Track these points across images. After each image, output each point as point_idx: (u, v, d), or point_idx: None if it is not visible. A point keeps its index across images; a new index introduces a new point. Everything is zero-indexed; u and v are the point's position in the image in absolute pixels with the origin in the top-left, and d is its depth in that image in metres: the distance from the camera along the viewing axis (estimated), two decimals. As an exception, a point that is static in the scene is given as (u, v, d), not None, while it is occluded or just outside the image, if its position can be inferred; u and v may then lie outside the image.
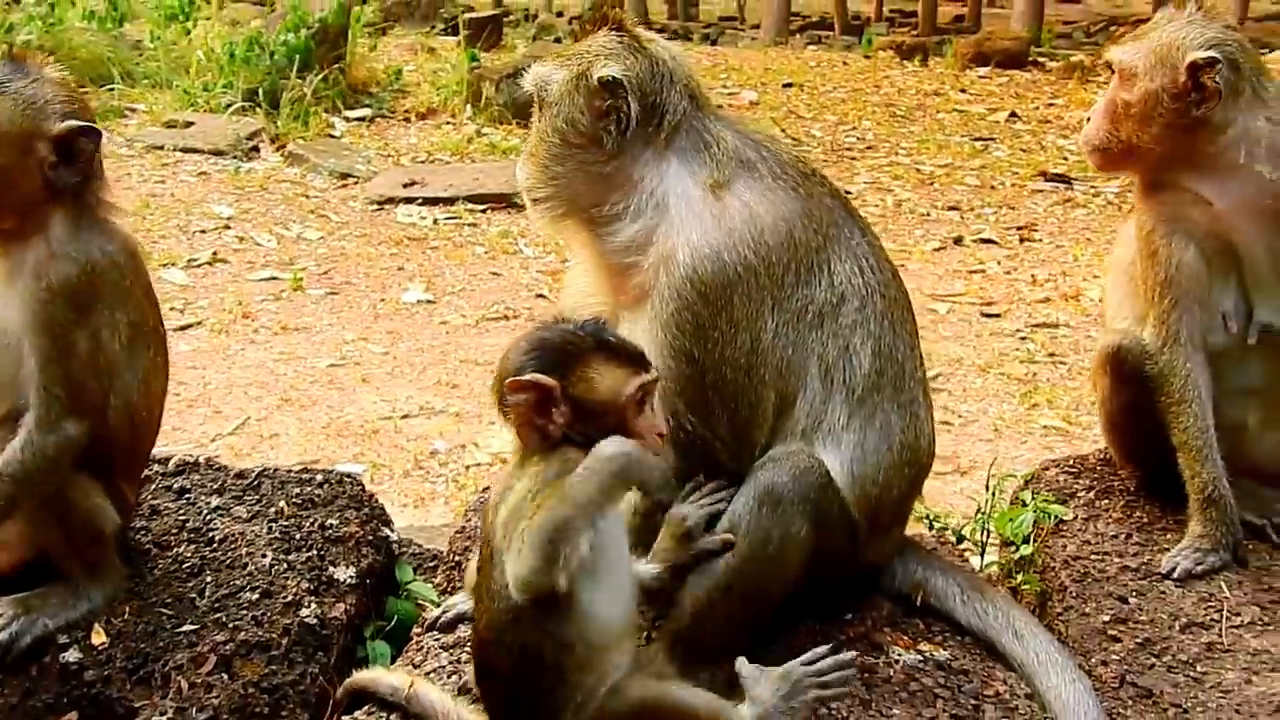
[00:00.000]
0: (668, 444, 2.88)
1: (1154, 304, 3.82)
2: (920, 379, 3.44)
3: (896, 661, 3.27)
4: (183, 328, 8.00)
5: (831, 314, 3.25)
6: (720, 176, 3.22)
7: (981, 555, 4.31)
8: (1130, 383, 3.90)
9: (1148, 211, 3.84)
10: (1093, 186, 12.54)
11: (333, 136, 13.20)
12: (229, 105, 13.16)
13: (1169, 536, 3.88)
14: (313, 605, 3.41)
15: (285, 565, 3.53)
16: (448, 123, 14.04)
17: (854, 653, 2.87)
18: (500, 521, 2.64)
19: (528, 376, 2.64)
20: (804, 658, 2.79)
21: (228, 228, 10.19)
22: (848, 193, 11.87)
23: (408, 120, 14.11)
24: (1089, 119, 3.93)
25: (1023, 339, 8.50)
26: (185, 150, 12.09)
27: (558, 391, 2.64)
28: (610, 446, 2.57)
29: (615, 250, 3.25)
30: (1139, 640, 3.48)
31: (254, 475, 3.96)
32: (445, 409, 7.03)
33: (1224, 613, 3.54)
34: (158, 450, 3.71)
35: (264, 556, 3.54)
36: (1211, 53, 3.64)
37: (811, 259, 3.24)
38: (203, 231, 10.04)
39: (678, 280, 3.12)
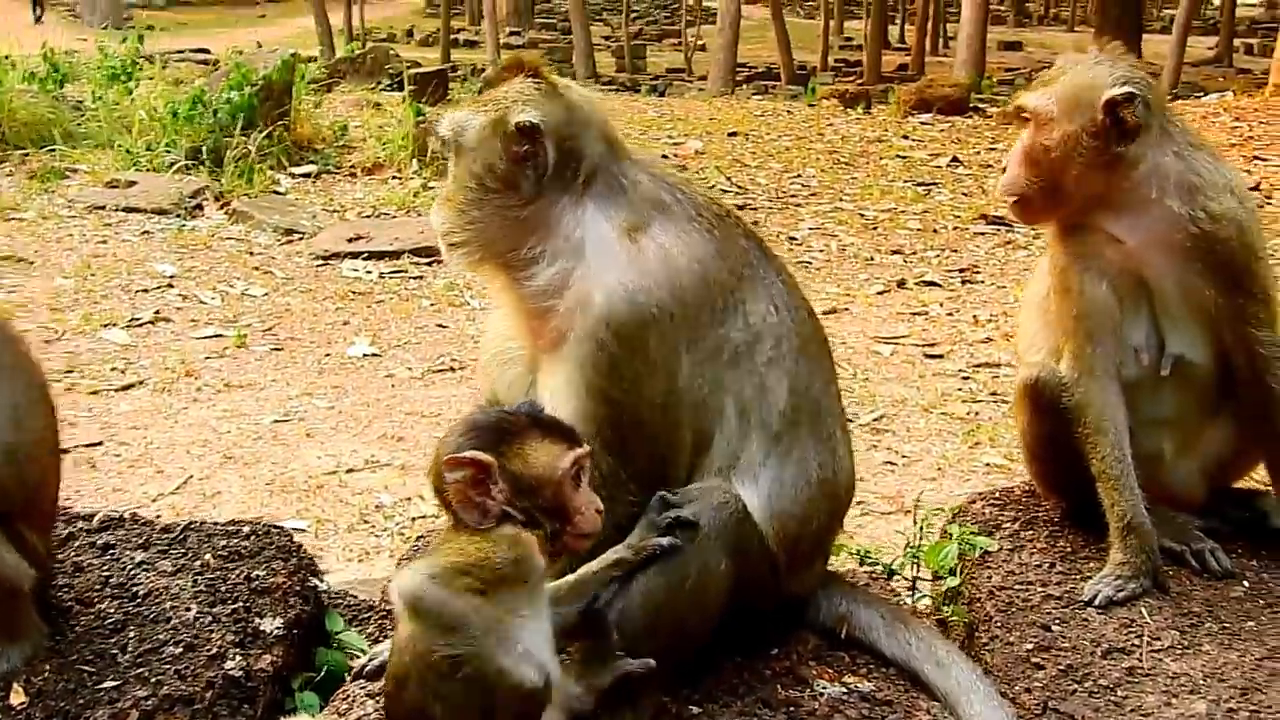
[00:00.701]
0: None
1: (1069, 338, 3.89)
2: (837, 414, 3.48)
3: (821, 694, 3.29)
4: (124, 388, 7.95)
5: (747, 353, 3.29)
6: (636, 219, 3.27)
7: (912, 589, 4.35)
8: (1048, 414, 3.96)
9: (1062, 251, 3.91)
10: (1032, 228, 12.70)
11: (278, 193, 13.21)
12: (172, 164, 13.14)
13: (1091, 565, 3.94)
14: (238, 657, 3.38)
15: (210, 618, 3.50)
16: (394, 177, 14.09)
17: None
18: None
19: (465, 454, 2.71)
20: None
21: (170, 286, 10.15)
22: (792, 239, 12.03)
23: (353, 176, 14.15)
24: (1005, 169, 3.99)
25: (965, 379, 8.58)
26: (128, 210, 12.04)
27: (495, 468, 2.72)
28: (537, 679, 2.65)
29: (533, 294, 3.29)
30: (1061, 667, 3.52)
31: (180, 529, 3.92)
32: (391, 462, 7.00)
33: (1144, 638, 3.59)
34: (84, 508, 3.69)
35: (188, 610, 3.51)
36: (1128, 89, 3.72)
37: (726, 299, 3.29)
38: (145, 291, 9.99)
39: (593, 322, 3.16)
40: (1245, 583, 3.84)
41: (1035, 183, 3.88)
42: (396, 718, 2.73)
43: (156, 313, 9.47)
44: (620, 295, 3.16)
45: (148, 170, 13.21)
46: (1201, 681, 3.40)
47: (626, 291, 3.16)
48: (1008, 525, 4.24)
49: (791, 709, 3.22)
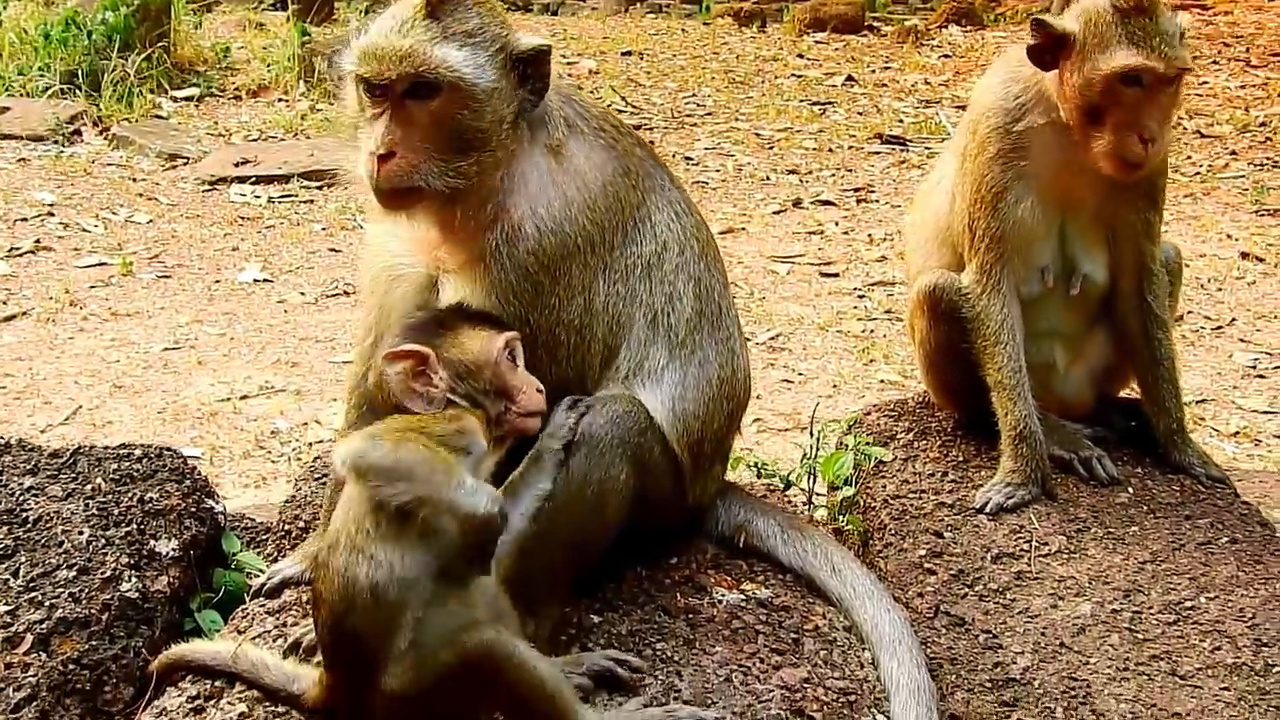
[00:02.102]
0: None
1: (979, 254, 3.94)
2: (734, 316, 3.53)
3: (720, 601, 3.34)
4: (7, 319, 7.76)
5: (657, 263, 3.32)
6: (558, 137, 3.23)
7: (809, 500, 4.41)
8: (945, 320, 4.04)
9: (1000, 171, 3.90)
10: (927, 148, 12.81)
11: (160, 117, 12.82)
12: (46, 88, 12.64)
13: (983, 473, 4.03)
14: (133, 579, 3.35)
15: (104, 541, 3.44)
16: (280, 99, 13.73)
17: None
18: None
19: (403, 346, 2.84)
20: (668, 708, 2.88)
21: (50, 214, 9.83)
22: (688, 159, 11.92)
23: (238, 98, 13.77)
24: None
25: (860, 297, 8.66)
26: (1, 136, 11.60)
27: (433, 357, 2.83)
28: (491, 506, 2.63)
29: (460, 215, 3.15)
30: (953, 572, 3.62)
31: (69, 454, 3.84)
32: (285, 388, 6.92)
33: (1033, 543, 3.69)
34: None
35: (81, 534, 3.45)
36: None
37: (634, 215, 3.31)
38: (24, 219, 9.67)
39: (521, 253, 3.12)
40: (1130, 489, 3.96)
41: None
42: (323, 586, 2.70)
43: (37, 241, 9.20)
44: (550, 227, 3.15)
45: (20, 95, 12.71)
46: (1087, 584, 3.51)
47: (555, 222, 3.15)
48: (902, 436, 4.32)
49: (691, 615, 3.26)
